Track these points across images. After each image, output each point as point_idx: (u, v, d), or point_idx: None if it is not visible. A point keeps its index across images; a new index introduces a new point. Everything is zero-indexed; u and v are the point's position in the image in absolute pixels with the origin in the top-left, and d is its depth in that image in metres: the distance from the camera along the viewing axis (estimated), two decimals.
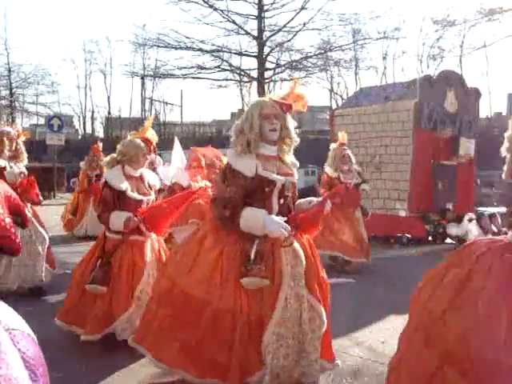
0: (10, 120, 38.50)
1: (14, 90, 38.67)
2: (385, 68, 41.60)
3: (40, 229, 6.52)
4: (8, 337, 1.19)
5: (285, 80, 37.77)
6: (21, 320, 1.29)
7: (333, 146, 8.55)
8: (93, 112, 46.63)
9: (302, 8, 32.92)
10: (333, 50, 35.50)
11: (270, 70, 35.88)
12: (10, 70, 37.68)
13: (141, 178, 5.12)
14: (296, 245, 3.59)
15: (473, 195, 13.39)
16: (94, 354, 4.56)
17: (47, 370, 1.25)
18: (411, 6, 66.45)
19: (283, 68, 35.95)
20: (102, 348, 4.62)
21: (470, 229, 11.18)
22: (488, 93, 39.01)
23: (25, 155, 6.77)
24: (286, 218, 3.56)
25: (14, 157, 6.58)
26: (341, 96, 43.26)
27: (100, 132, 47.26)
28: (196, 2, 33.01)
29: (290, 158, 3.80)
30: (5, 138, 6.41)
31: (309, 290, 3.56)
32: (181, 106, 45.99)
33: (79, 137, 48.20)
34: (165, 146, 32.10)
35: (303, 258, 3.58)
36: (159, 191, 6.22)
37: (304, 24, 33.77)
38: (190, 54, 35.16)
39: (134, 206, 4.88)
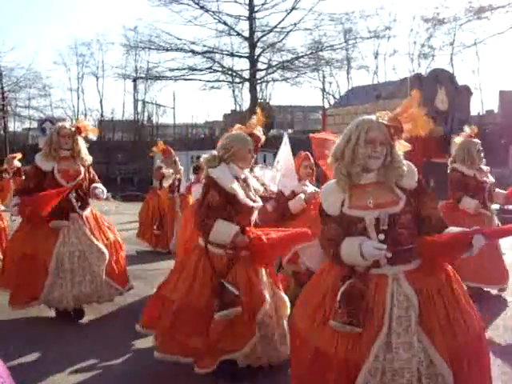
0: (2, 124, 38.46)
1: (5, 94, 38.43)
2: (376, 67, 41.61)
3: (96, 242, 5.66)
4: None
5: (276, 80, 37.92)
6: None
7: (459, 139, 6.91)
8: (85, 115, 46.28)
9: (293, 8, 33.06)
10: (324, 50, 35.62)
11: (262, 70, 35.96)
12: (1, 74, 37.47)
13: (245, 181, 4.30)
14: (407, 286, 3.04)
15: None
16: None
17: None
18: (402, 5, 66.68)
19: (275, 68, 36.00)
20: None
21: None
22: (479, 90, 39.11)
23: (83, 154, 5.78)
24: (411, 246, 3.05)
25: (72, 157, 5.71)
26: (333, 95, 43.30)
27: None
28: (187, 4, 33.16)
29: (398, 179, 3.14)
30: (55, 136, 5.64)
31: (430, 340, 2.94)
32: (173, 108, 46.08)
33: None
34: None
35: (415, 301, 2.99)
36: (266, 199, 5.21)
37: (295, 24, 33.90)
38: (182, 55, 35.39)
39: (245, 215, 4.13)
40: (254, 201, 4.23)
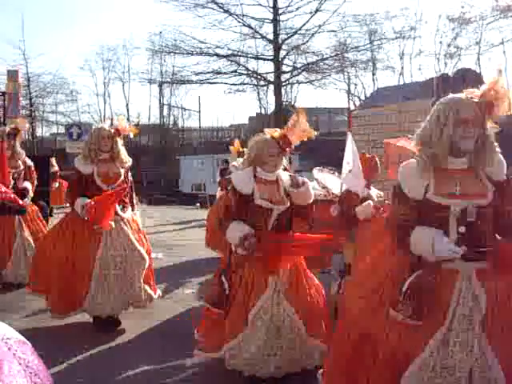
0: (31, 130, 38.97)
1: (33, 100, 39.02)
2: (402, 68, 41.24)
3: (139, 247, 5.54)
4: (5, 346, 1.20)
5: (301, 83, 37.84)
6: (12, 329, 1.29)
7: None
8: (112, 119, 46.76)
9: (317, 10, 32.92)
10: (349, 51, 35.46)
11: (287, 72, 35.88)
12: (29, 80, 38.00)
13: (277, 183, 4.26)
14: (477, 285, 2.88)
15: None
16: None
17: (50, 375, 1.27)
18: (427, 5, 65.88)
19: (300, 71, 35.90)
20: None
21: None
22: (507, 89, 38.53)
23: (123, 156, 5.71)
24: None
25: (112, 158, 5.62)
26: (358, 97, 43.08)
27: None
28: (211, 8, 33.23)
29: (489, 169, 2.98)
30: (93, 137, 5.57)
31: (490, 344, 2.83)
32: (199, 112, 46.20)
33: None
34: (183, 151, 32.22)
35: (483, 302, 2.84)
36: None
37: (319, 26, 33.77)
38: (207, 59, 35.26)
39: (261, 216, 4.13)
40: (279, 202, 4.17)
